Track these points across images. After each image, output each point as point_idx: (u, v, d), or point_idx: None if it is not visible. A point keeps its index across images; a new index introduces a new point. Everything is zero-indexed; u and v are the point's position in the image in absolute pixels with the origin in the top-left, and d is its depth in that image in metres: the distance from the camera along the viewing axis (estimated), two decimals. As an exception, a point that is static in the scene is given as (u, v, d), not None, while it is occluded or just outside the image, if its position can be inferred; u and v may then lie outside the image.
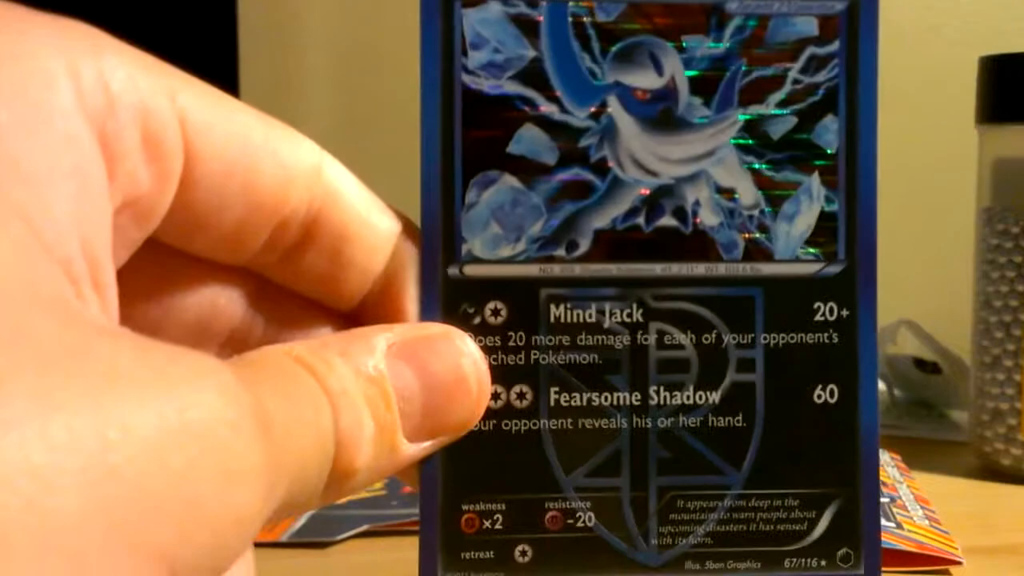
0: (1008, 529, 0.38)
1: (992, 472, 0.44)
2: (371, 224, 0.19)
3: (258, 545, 0.34)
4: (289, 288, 0.20)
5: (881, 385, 0.58)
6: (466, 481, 0.20)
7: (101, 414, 0.13)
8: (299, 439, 0.16)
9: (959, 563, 0.32)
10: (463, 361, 0.19)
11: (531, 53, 0.20)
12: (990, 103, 0.45)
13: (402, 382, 0.18)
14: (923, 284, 0.69)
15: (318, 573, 0.33)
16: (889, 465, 0.42)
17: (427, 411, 0.18)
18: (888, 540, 0.32)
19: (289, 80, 0.73)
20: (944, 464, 0.45)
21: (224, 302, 0.20)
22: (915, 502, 0.37)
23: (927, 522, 0.35)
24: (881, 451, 0.43)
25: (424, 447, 0.19)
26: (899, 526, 0.34)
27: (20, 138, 0.14)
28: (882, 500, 0.36)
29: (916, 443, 0.49)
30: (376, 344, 0.18)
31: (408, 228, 0.20)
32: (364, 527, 0.35)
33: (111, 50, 0.16)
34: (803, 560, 0.20)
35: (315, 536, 0.35)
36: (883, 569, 0.31)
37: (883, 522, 0.33)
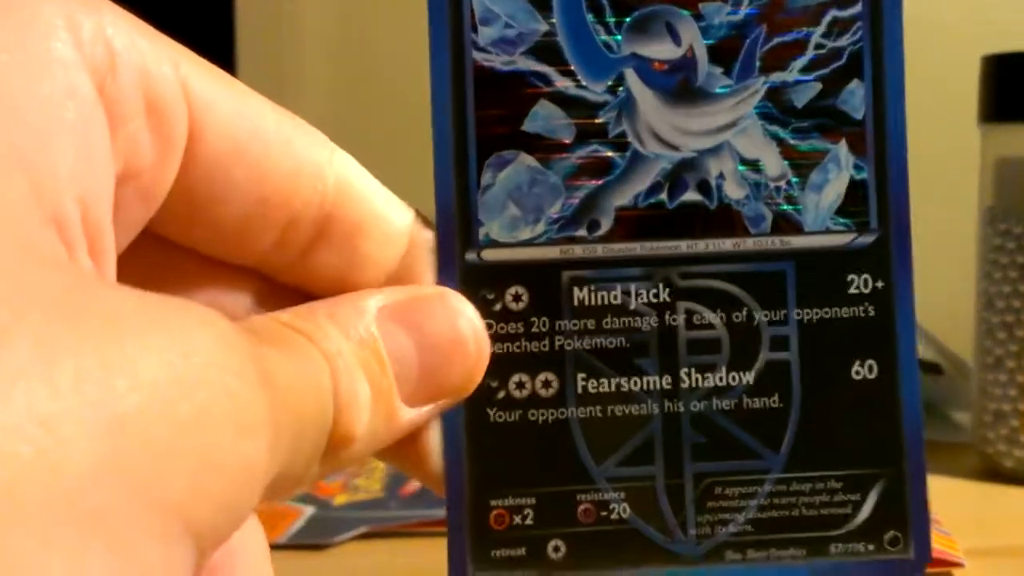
0: (1010, 531, 0.38)
1: (994, 474, 0.44)
2: (386, 217, 0.19)
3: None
4: (300, 289, 0.19)
5: None
6: (493, 476, 0.19)
7: (107, 360, 0.12)
8: (300, 396, 0.15)
9: (961, 565, 0.32)
10: (460, 321, 0.18)
11: (543, 27, 0.19)
12: (993, 102, 0.44)
13: (396, 345, 0.17)
14: (925, 284, 0.68)
15: (317, 574, 0.32)
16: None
17: (424, 374, 0.17)
18: None
19: (287, 79, 0.72)
20: (946, 465, 0.45)
21: (226, 303, 0.19)
22: (916, 504, 0.37)
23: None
24: None
25: (423, 412, 0.18)
26: (900, 528, 0.33)
27: (21, 84, 0.14)
28: None
29: (918, 444, 0.49)
30: (366, 307, 0.17)
31: (421, 218, 0.19)
32: (363, 529, 0.35)
33: (110, 10, 0.15)
34: (849, 545, 0.19)
35: (314, 538, 0.34)
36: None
37: None
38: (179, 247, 0.18)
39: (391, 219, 0.19)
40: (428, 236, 0.19)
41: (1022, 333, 0.43)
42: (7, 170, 0.13)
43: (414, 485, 0.41)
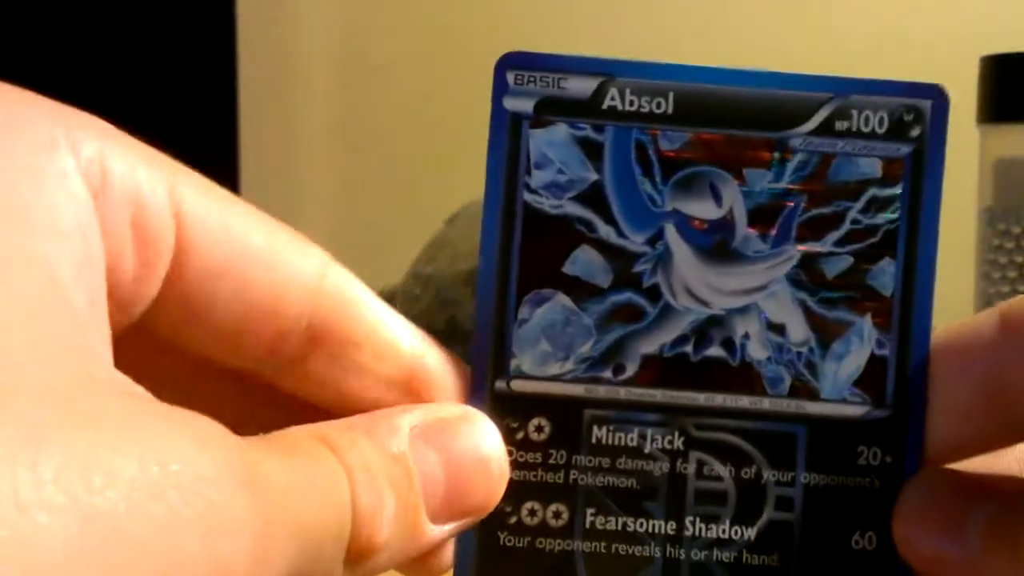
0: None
1: (993, 474, 0.44)
2: (382, 330, 0.20)
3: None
4: (297, 394, 0.20)
5: None
6: None
7: (87, 458, 0.13)
8: (302, 502, 0.16)
9: None
10: (485, 443, 0.19)
11: (593, 176, 0.20)
12: (991, 103, 0.45)
13: (425, 463, 0.18)
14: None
15: None
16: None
17: (449, 493, 0.19)
18: None
19: (290, 85, 0.74)
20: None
21: (220, 402, 0.20)
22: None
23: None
24: None
25: (447, 529, 0.19)
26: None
27: (27, 193, 0.15)
28: None
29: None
30: (400, 425, 0.18)
31: (420, 335, 0.20)
32: None
33: (112, 135, 0.17)
34: None
35: None
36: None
37: None
38: (170, 344, 0.19)
39: (387, 333, 0.20)
40: (432, 354, 0.20)
41: (1021, 333, 0.43)
42: (27, 266, 0.14)
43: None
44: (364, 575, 0.18)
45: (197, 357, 0.19)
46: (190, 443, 0.14)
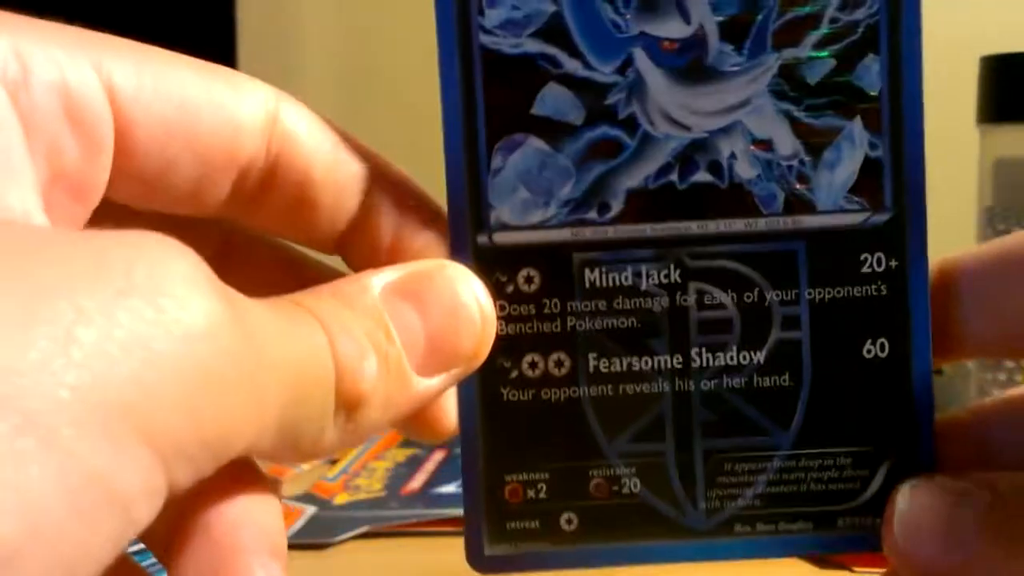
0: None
1: (995, 473, 0.45)
2: (335, 164, 0.19)
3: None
4: (261, 233, 0.20)
5: None
6: (508, 452, 0.20)
7: (91, 313, 0.12)
8: (288, 351, 0.15)
9: None
10: (460, 289, 0.18)
11: (551, 8, 0.19)
12: (991, 103, 0.45)
13: (401, 316, 0.18)
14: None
15: (317, 574, 0.33)
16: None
17: (432, 343, 0.18)
18: None
19: (290, 85, 0.73)
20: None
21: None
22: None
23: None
24: None
25: (436, 381, 0.18)
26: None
27: None
28: None
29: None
30: (369, 283, 0.18)
31: (377, 167, 0.20)
32: (364, 528, 0.35)
33: (27, 29, 0.16)
34: (856, 519, 0.20)
35: (314, 537, 0.35)
36: (877, 570, 0.31)
37: None
38: (141, 213, 0.19)
39: (340, 166, 0.19)
40: (386, 182, 0.20)
41: (1021, 332, 0.44)
42: None
43: (414, 485, 0.41)
44: (360, 429, 0.17)
45: (165, 217, 0.19)
46: (185, 296, 0.14)
